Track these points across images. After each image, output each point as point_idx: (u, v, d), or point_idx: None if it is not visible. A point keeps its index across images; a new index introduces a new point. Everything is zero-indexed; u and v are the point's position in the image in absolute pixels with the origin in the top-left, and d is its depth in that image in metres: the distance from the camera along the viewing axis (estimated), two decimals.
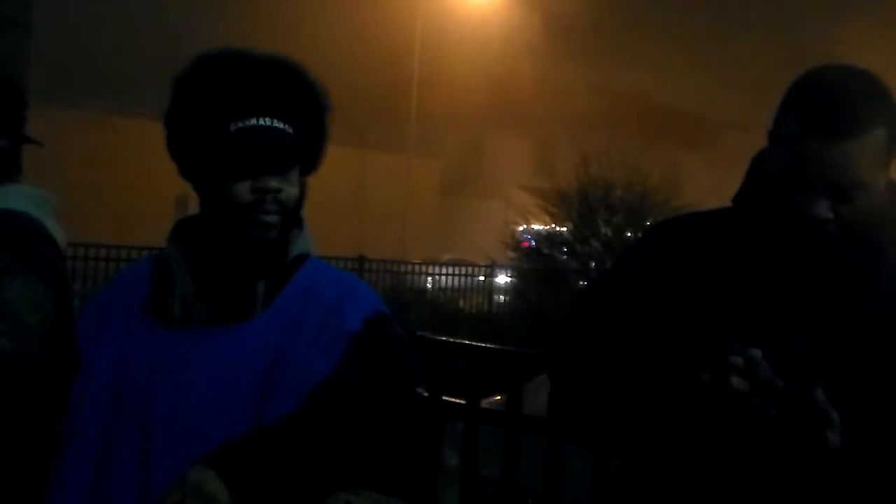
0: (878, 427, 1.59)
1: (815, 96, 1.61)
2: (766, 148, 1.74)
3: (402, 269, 19.42)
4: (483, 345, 4.32)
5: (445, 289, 18.28)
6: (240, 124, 1.72)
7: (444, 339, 4.35)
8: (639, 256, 1.85)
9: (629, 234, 12.32)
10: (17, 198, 2.13)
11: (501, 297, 16.79)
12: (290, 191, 1.76)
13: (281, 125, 1.75)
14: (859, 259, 1.67)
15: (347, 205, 30.74)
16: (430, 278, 18.84)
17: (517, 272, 14.59)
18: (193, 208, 1.86)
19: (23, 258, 1.96)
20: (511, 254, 14.50)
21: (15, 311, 1.90)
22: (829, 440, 1.53)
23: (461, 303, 17.15)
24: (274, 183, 1.73)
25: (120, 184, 25.99)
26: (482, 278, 18.68)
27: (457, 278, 19.39)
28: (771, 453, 1.60)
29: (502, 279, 17.66)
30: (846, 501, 1.61)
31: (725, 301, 1.69)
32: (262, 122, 1.73)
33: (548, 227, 13.49)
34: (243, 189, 1.72)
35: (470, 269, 19.69)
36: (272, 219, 1.73)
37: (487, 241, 16.38)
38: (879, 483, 1.60)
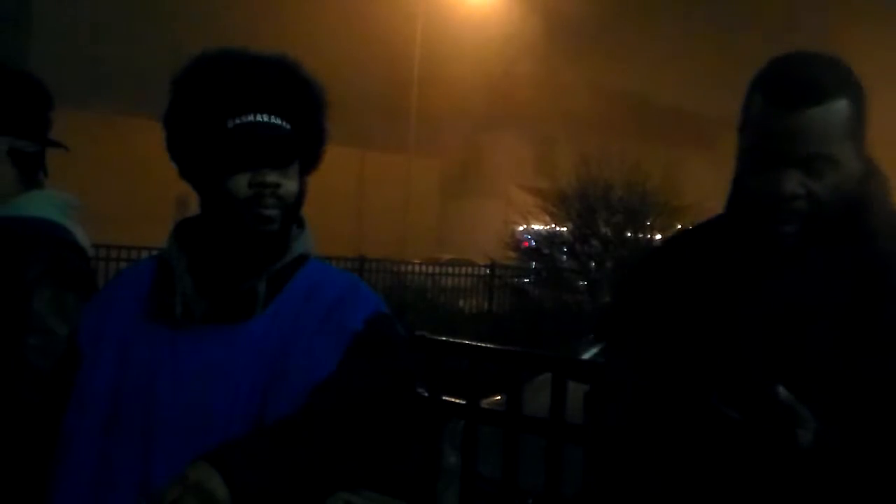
0: (859, 426, 1.58)
1: (777, 71, 1.66)
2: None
3: (402, 269, 19.41)
4: (483, 345, 4.32)
5: (445, 289, 18.27)
6: (237, 120, 1.73)
7: (444, 339, 4.35)
8: (640, 296, 1.85)
9: (629, 234, 12.33)
10: (45, 205, 2.12)
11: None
12: (289, 185, 1.76)
13: (278, 121, 1.76)
14: (835, 257, 1.67)
15: (347, 205, 30.75)
16: (430, 278, 18.83)
17: (517, 272, 14.61)
18: (193, 208, 1.87)
19: (53, 270, 1.97)
20: (511, 254, 14.51)
21: (47, 325, 1.90)
22: (799, 438, 1.53)
23: (461, 303, 17.15)
24: (272, 177, 1.74)
25: (120, 184, 26.00)
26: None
27: (457, 278, 19.39)
28: (745, 458, 1.59)
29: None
30: (824, 501, 1.60)
31: (706, 316, 1.70)
32: (259, 118, 1.74)
33: (548, 227, 13.50)
34: (242, 184, 1.73)
35: (470, 268, 19.69)
36: (272, 212, 1.74)
37: (487, 241, 16.38)
38: (858, 481, 1.58)
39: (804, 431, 1.53)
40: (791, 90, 1.60)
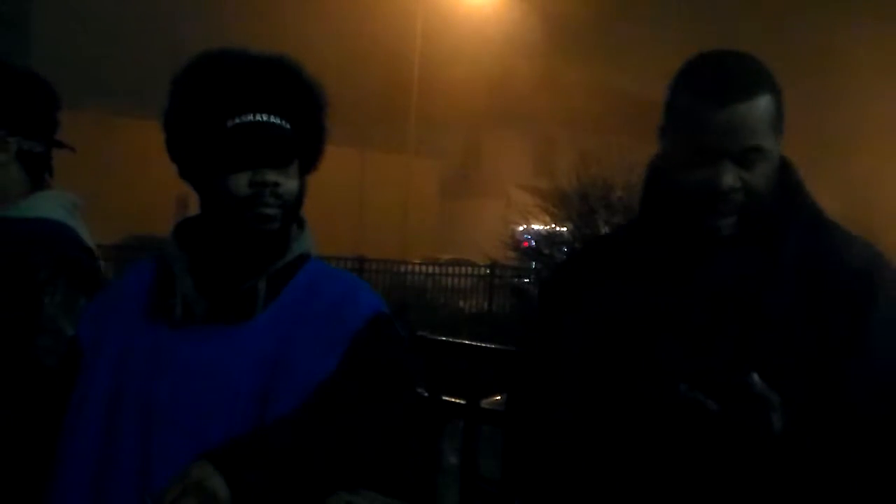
0: (815, 411, 1.61)
1: (707, 69, 1.71)
2: (658, 154, 1.81)
3: (402, 269, 19.42)
4: (483, 345, 4.32)
5: (445, 289, 18.28)
6: (237, 120, 1.74)
7: (444, 339, 4.35)
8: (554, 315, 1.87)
9: None
10: (52, 206, 2.12)
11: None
12: (288, 185, 1.76)
13: (278, 121, 1.76)
14: (768, 246, 1.72)
15: (347, 205, 30.74)
16: (430, 278, 18.84)
17: (517, 272, 14.60)
18: (194, 208, 1.87)
19: (64, 271, 1.97)
20: (511, 254, 14.50)
21: (57, 326, 1.90)
22: (773, 423, 1.56)
23: (461, 303, 17.16)
24: (272, 176, 1.74)
25: (120, 184, 25.99)
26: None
27: (457, 278, 19.39)
28: (720, 449, 1.61)
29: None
30: (796, 490, 1.62)
31: (649, 318, 1.72)
32: (259, 117, 1.74)
33: (548, 227, 13.49)
34: (242, 183, 1.73)
35: (470, 268, 19.69)
36: (272, 211, 1.74)
37: (487, 241, 16.38)
38: (823, 466, 1.61)
39: (777, 417, 1.57)
40: (724, 86, 1.66)
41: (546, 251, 13.08)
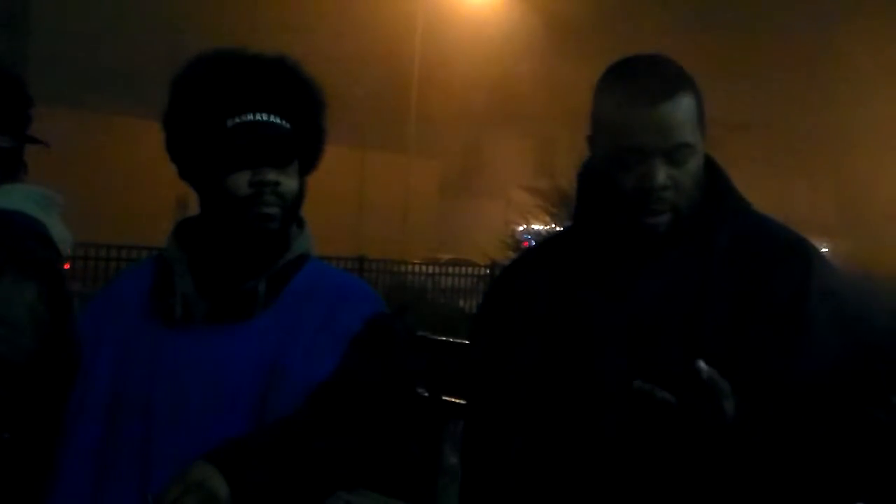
0: (761, 398, 1.64)
1: (627, 73, 1.77)
2: (589, 158, 1.85)
3: (402, 269, 19.43)
4: None
5: (445, 289, 18.28)
6: (237, 119, 1.74)
7: (444, 339, 4.35)
8: (494, 322, 1.89)
9: None
10: (18, 197, 2.12)
11: None
12: (288, 184, 1.77)
13: (278, 120, 1.76)
14: (700, 245, 1.76)
15: (347, 205, 30.73)
16: (430, 278, 18.84)
17: None
18: (193, 209, 1.87)
19: (15, 259, 1.96)
20: (511, 254, 14.50)
21: (4, 314, 1.89)
22: (725, 410, 1.59)
23: (461, 303, 17.16)
24: (272, 176, 1.74)
25: (120, 184, 25.98)
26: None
27: (457, 278, 19.39)
28: (674, 439, 1.63)
29: None
30: (748, 476, 1.65)
31: (593, 319, 1.75)
32: (258, 117, 1.75)
33: (548, 227, 13.49)
34: (242, 182, 1.73)
35: (470, 269, 19.69)
36: (272, 210, 1.74)
37: (487, 241, 16.37)
38: (774, 451, 1.64)
39: (728, 403, 1.60)
40: (648, 86, 1.71)
41: None
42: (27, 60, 5.91)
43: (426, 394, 3.93)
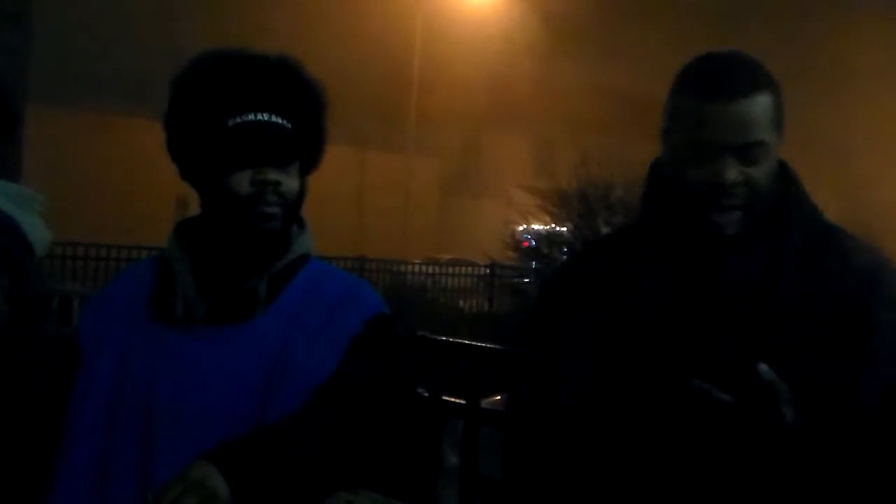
0: (823, 406, 1.63)
1: (705, 68, 1.75)
2: (659, 156, 1.83)
3: (402, 269, 19.43)
4: (483, 345, 4.32)
5: (445, 289, 18.28)
6: (238, 119, 1.74)
7: (444, 339, 4.35)
8: (556, 311, 1.87)
9: None
10: None
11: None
12: (289, 183, 1.77)
13: (279, 120, 1.76)
14: (769, 248, 1.74)
15: (347, 204, 30.72)
16: (430, 278, 18.84)
17: (517, 272, 14.60)
18: (194, 209, 1.87)
19: None
20: (511, 254, 14.51)
21: None
22: (785, 414, 1.58)
23: (461, 303, 17.16)
24: (273, 175, 1.74)
25: (120, 184, 25.97)
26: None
27: (457, 278, 19.39)
28: (732, 441, 1.62)
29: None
30: (805, 481, 1.63)
31: (656, 315, 1.73)
32: (260, 117, 1.75)
33: (548, 227, 13.50)
34: (243, 182, 1.73)
35: (470, 268, 19.70)
36: (273, 210, 1.74)
37: (487, 241, 16.38)
38: (832, 459, 1.63)
39: (787, 407, 1.58)
40: (726, 82, 1.70)
41: (546, 251, 13.08)
42: (27, 60, 5.90)
43: (426, 394, 3.94)
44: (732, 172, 1.68)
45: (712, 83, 1.70)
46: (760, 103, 1.70)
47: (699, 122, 1.70)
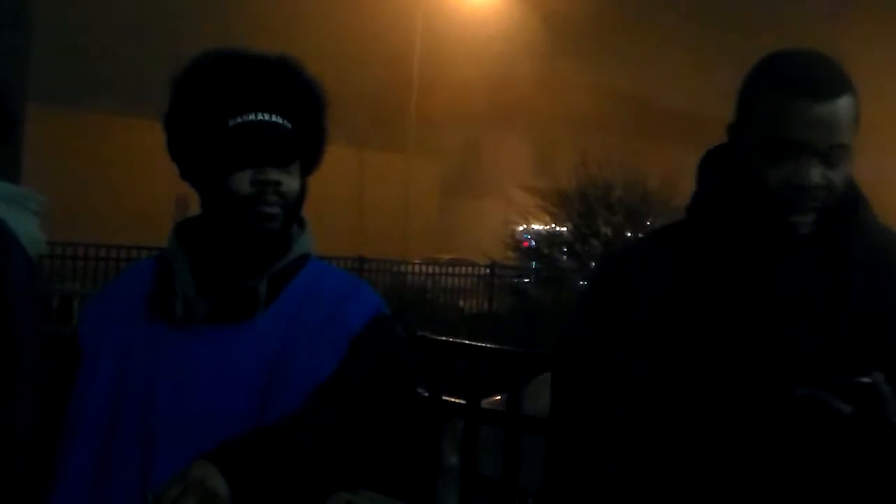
0: None
1: (793, 65, 1.68)
2: (716, 147, 1.78)
3: (402, 269, 19.43)
4: (483, 345, 4.33)
5: (445, 289, 18.29)
6: (238, 119, 1.74)
7: (444, 339, 4.35)
8: (605, 304, 1.80)
9: (629, 234, 12.35)
10: None
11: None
12: (290, 183, 1.77)
13: (280, 120, 1.76)
14: (837, 249, 1.70)
15: (347, 205, 30.72)
16: (430, 278, 18.85)
17: (517, 272, 14.61)
18: (194, 209, 1.87)
19: None
20: (511, 254, 14.53)
21: None
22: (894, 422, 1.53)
23: (461, 303, 17.17)
24: (274, 175, 1.74)
25: (120, 184, 25.98)
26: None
27: (457, 278, 19.40)
28: (847, 451, 1.57)
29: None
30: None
31: (711, 321, 1.68)
32: (260, 117, 1.75)
33: (548, 227, 13.52)
34: (244, 182, 1.73)
35: (470, 268, 19.70)
36: (274, 210, 1.74)
37: (487, 241, 16.40)
38: None
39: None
40: (816, 82, 1.63)
41: (546, 251, 13.10)
42: (27, 60, 5.90)
43: (426, 394, 3.94)
44: (816, 175, 1.63)
45: (800, 81, 1.64)
46: (845, 105, 1.64)
47: (783, 120, 1.64)
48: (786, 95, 1.64)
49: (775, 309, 1.67)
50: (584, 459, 1.75)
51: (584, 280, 12.31)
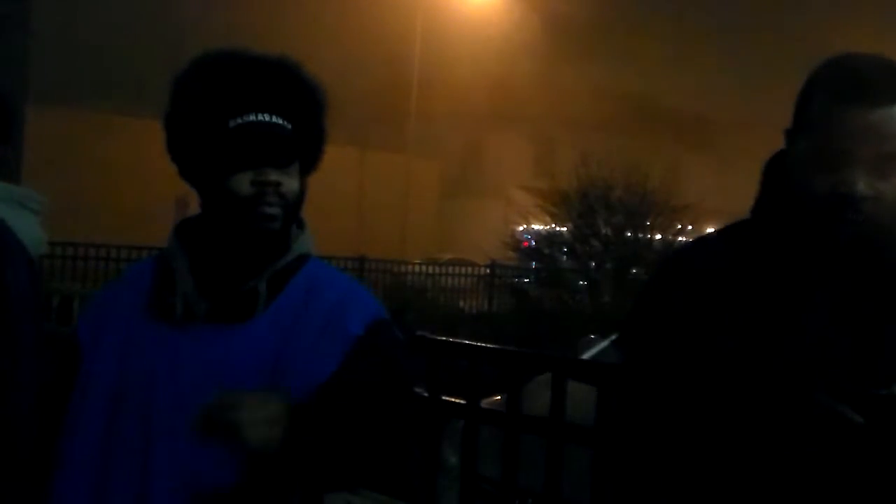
0: None
1: (846, 70, 1.62)
2: (781, 150, 1.72)
3: (402, 269, 19.44)
4: (483, 345, 4.33)
5: (445, 289, 18.29)
6: (238, 120, 1.74)
7: (444, 339, 4.35)
8: (665, 300, 1.76)
9: (629, 234, 12.34)
10: None
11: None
12: (290, 184, 1.77)
13: (280, 121, 1.76)
14: (885, 265, 1.64)
15: (347, 205, 30.73)
16: (430, 278, 18.85)
17: (517, 272, 14.61)
18: (194, 209, 1.87)
19: None
20: (511, 254, 14.53)
21: None
22: None
23: (461, 303, 17.17)
24: (274, 176, 1.74)
25: (120, 184, 25.99)
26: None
27: (457, 278, 19.40)
28: (859, 463, 1.55)
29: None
30: None
31: (759, 320, 1.65)
32: (260, 117, 1.75)
33: (548, 227, 13.51)
34: (244, 182, 1.73)
35: (470, 268, 19.70)
36: (274, 210, 1.74)
37: (487, 241, 16.39)
38: None
39: None
40: (863, 88, 1.58)
41: (546, 251, 13.10)
42: (27, 60, 5.91)
43: (426, 394, 3.94)
44: (862, 185, 1.56)
45: (852, 87, 1.58)
46: None
47: (833, 127, 1.58)
48: (832, 102, 1.59)
49: (822, 319, 1.62)
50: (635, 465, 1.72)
51: (584, 280, 12.32)
